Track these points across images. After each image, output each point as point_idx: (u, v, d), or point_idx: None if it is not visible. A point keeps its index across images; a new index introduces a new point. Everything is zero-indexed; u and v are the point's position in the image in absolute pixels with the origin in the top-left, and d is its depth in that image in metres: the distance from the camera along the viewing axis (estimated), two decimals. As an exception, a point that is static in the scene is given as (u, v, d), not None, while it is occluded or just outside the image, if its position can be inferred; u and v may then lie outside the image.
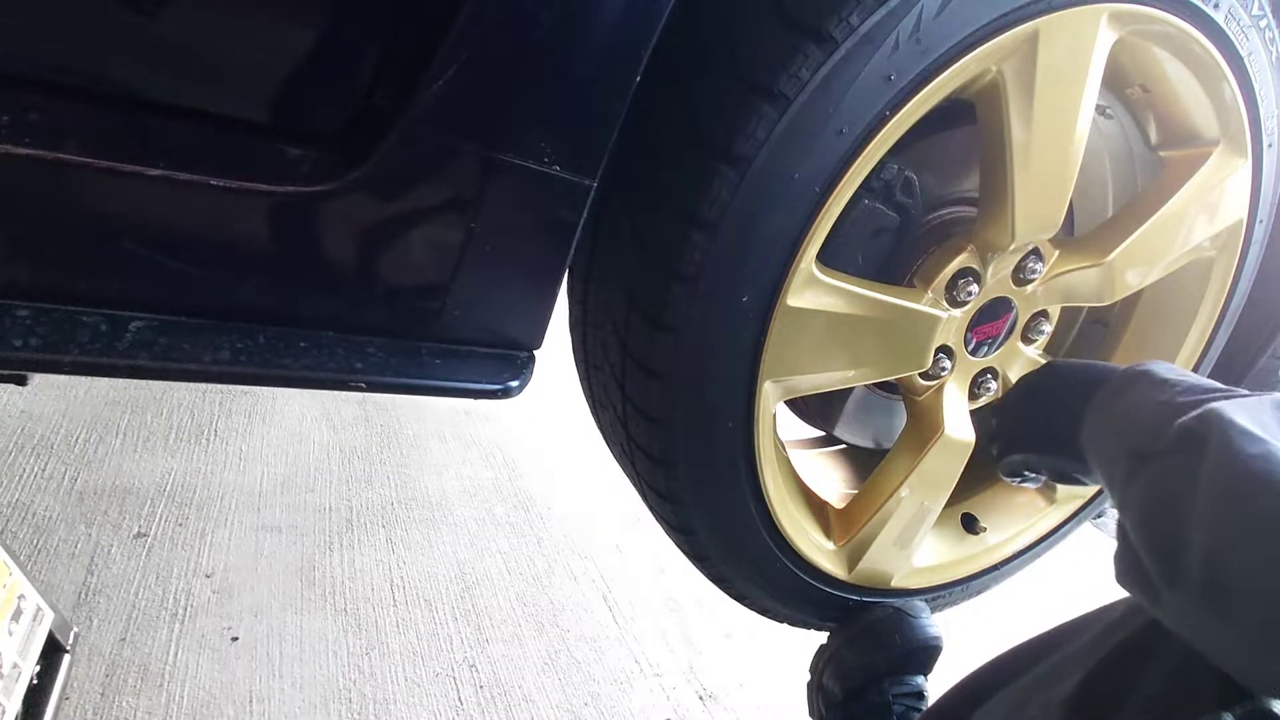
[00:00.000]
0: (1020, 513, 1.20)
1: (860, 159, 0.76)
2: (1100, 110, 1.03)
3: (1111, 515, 1.66)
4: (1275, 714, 0.54)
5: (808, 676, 1.08)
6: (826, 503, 1.05)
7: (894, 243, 0.95)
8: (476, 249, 0.67)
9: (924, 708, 1.00)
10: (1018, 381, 1.00)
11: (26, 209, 0.57)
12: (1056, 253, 0.96)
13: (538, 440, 2.16)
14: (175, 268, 0.61)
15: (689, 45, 0.74)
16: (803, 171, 0.74)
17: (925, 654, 1.02)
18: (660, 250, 0.78)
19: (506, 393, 0.75)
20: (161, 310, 0.62)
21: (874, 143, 0.76)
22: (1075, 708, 0.65)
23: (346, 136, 0.61)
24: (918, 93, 0.75)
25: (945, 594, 1.15)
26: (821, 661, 1.05)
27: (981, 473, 1.17)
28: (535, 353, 0.77)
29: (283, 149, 0.60)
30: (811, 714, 1.07)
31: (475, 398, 0.74)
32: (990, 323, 0.98)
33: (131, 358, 0.60)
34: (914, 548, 1.06)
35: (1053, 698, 0.67)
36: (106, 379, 1.94)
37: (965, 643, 1.16)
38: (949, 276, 0.91)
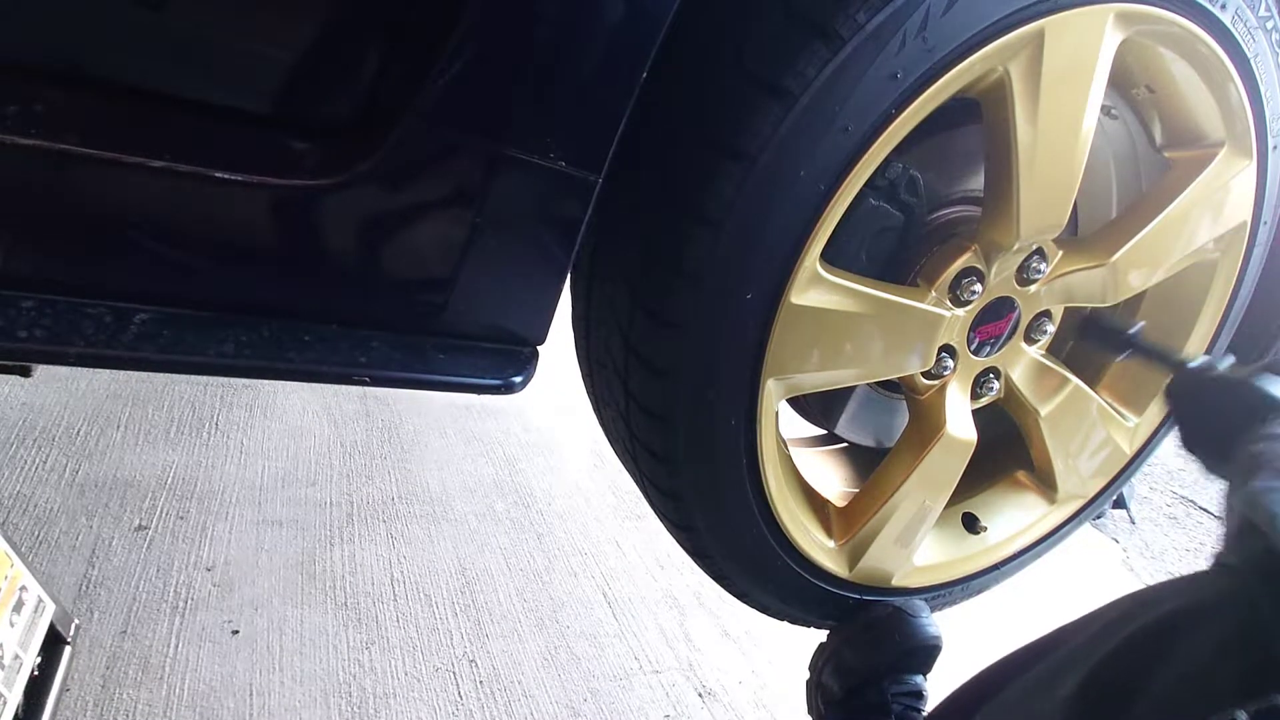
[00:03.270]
0: (1021, 513, 1.20)
1: (865, 157, 0.76)
2: (1105, 110, 1.03)
3: (1111, 516, 1.66)
4: None
5: (807, 674, 1.08)
6: (828, 501, 1.05)
7: (898, 241, 0.95)
8: (481, 243, 0.67)
9: (923, 707, 1.00)
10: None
11: (31, 200, 0.57)
12: (1060, 253, 0.96)
13: (539, 436, 2.16)
14: (180, 260, 0.61)
15: (695, 41, 0.74)
16: (808, 169, 0.74)
17: (925, 653, 1.02)
18: (664, 247, 0.78)
19: (509, 388, 0.75)
20: (166, 303, 0.62)
21: (879, 141, 0.76)
22: (1078, 707, 0.65)
23: (353, 130, 0.61)
24: (923, 91, 0.75)
25: (945, 593, 1.15)
26: (821, 659, 1.05)
27: (982, 472, 1.17)
28: (538, 348, 0.77)
29: (289, 142, 0.60)
30: (810, 712, 1.07)
31: (478, 393, 0.74)
32: (993, 322, 0.98)
33: (136, 350, 0.60)
34: (915, 547, 1.06)
35: (1055, 696, 0.67)
36: (108, 371, 1.95)
37: (965, 643, 1.16)
38: (952, 276, 0.91)
